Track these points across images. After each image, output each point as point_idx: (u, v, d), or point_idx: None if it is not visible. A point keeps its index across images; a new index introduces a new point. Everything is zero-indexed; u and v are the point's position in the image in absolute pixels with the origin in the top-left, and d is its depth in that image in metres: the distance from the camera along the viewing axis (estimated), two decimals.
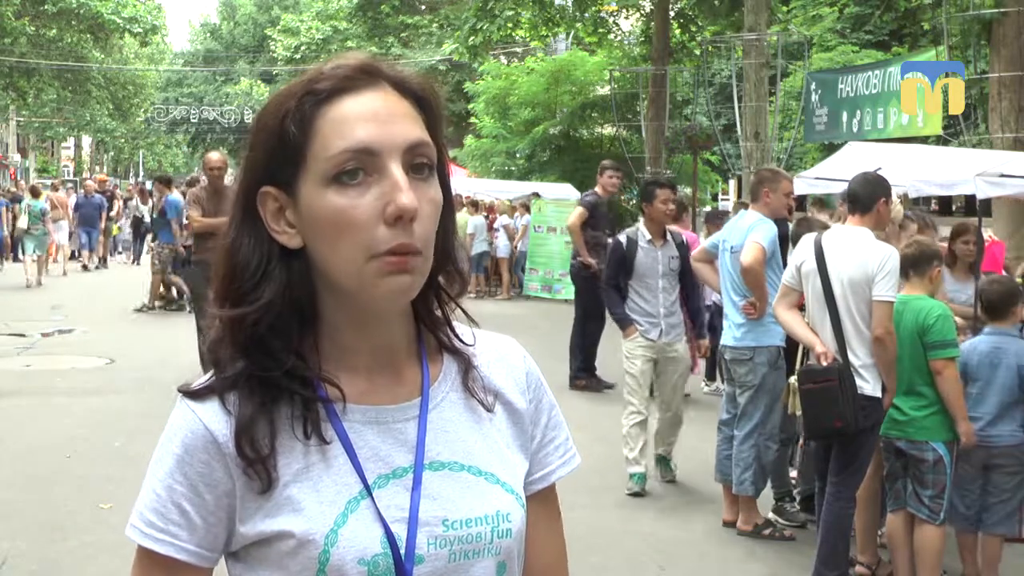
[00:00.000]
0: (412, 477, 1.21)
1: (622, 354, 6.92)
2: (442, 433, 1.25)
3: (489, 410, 1.30)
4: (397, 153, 1.16)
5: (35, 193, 19.88)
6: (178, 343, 10.95)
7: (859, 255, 4.81)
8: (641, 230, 7.01)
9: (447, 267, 1.27)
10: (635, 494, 6.62)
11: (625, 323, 6.84)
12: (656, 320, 6.81)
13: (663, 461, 7.00)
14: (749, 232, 5.93)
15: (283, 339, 1.20)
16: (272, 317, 1.19)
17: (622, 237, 7.10)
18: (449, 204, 1.24)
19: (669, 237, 6.97)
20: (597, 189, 10.10)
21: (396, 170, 1.15)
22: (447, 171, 1.25)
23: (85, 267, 21.74)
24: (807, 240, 5.14)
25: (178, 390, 1.23)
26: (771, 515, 6.12)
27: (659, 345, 6.79)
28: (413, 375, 1.27)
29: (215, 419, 1.19)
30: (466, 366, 1.30)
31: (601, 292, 7.31)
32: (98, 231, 22.14)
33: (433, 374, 1.28)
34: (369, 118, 1.16)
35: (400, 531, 1.18)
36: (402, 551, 1.17)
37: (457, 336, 1.31)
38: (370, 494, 1.18)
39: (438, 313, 1.30)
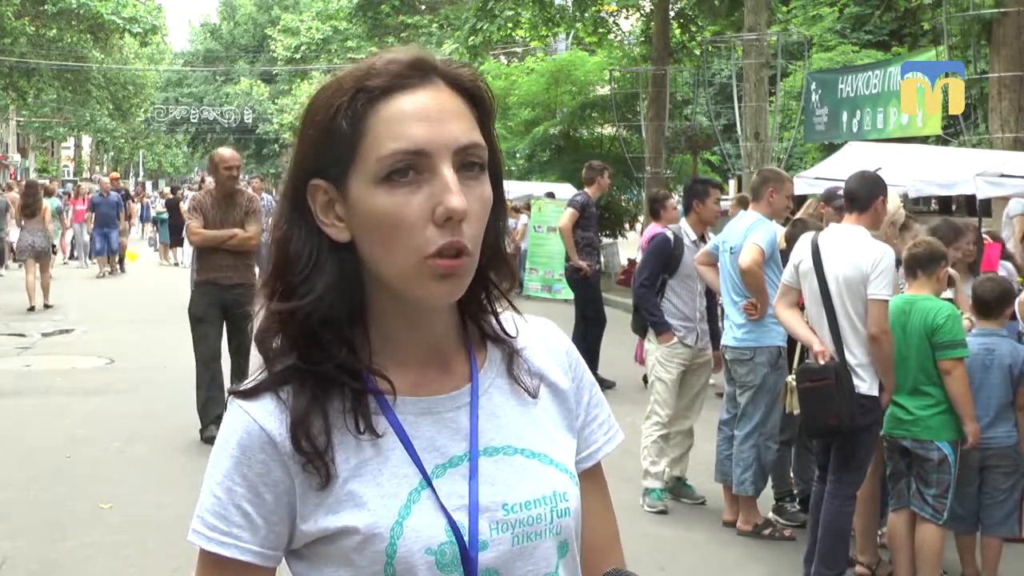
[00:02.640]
0: (468, 465, 1.22)
1: (654, 359, 6.52)
2: (493, 418, 1.27)
3: (534, 396, 1.31)
4: (448, 154, 1.16)
5: (48, 192, 20.07)
6: (178, 344, 10.95)
7: (853, 254, 4.83)
8: (685, 229, 6.66)
9: (498, 262, 1.28)
10: (660, 511, 6.33)
11: (662, 328, 6.43)
12: (693, 325, 6.47)
13: (682, 483, 6.61)
14: (748, 233, 5.93)
15: (335, 332, 1.20)
16: (324, 310, 1.19)
17: (669, 234, 6.68)
18: (502, 203, 1.26)
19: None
20: (588, 190, 9.96)
21: (447, 171, 1.15)
22: (500, 167, 1.26)
23: (114, 268, 20.65)
24: (805, 239, 5.15)
25: (229, 392, 1.24)
26: (771, 515, 6.12)
27: (693, 351, 6.47)
28: (460, 364, 1.28)
29: (269, 417, 1.20)
30: (510, 353, 1.31)
31: (636, 292, 6.76)
32: (117, 232, 20.72)
33: (479, 362, 1.30)
34: (422, 118, 1.16)
35: (462, 519, 1.19)
36: (466, 538, 1.18)
37: (500, 324, 1.32)
38: (430, 484, 1.19)
39: (483, 303, 1.31)
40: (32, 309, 14.68)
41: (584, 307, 10.16)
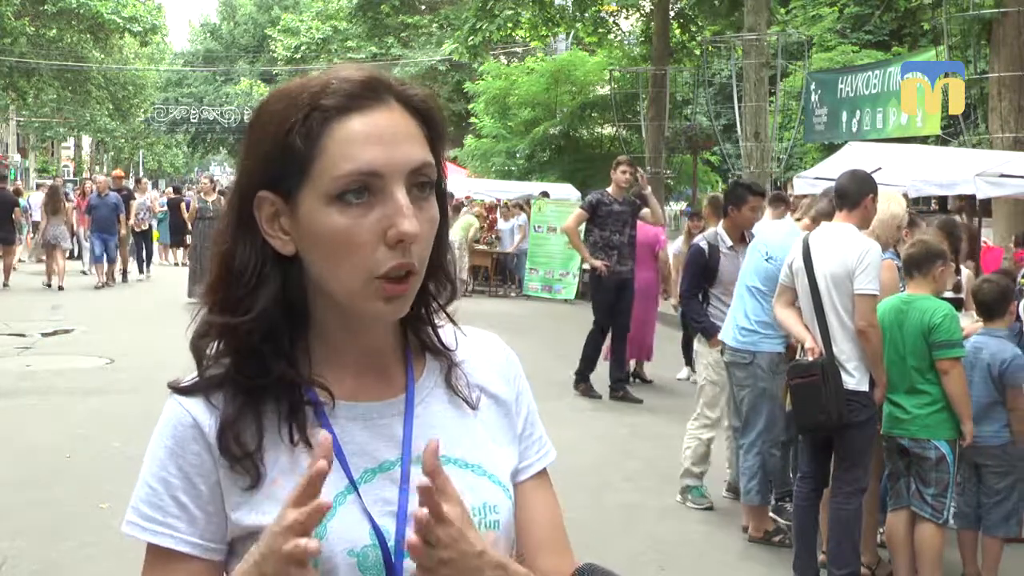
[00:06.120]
0: (400, 471, 1.23)
1: (705, 362, 6.63)
2: (428, 428, 1.27)
3: (473, 407, 1.32)
4: (401, 175, 1.17)
5: (17, 193, 21.38)
6: (178, 343, 10.94)
7: (840, 250, 4.87)
8: (721, 235, 6.74)
9: (437, 274, 1.29)
10: (707, 508, 6.44)
11: (710, 332, 6.53)
12: None
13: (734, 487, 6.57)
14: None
15: (275, 345, 1.22)
16: (266, 325, 1.20)
17: (703, 244, 6.79)
18: (445, 218, 1.27)
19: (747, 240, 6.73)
20: (610, 188, 9.54)
21: (400, 193, 1.16)
22: (444, 183, 1.27)
23: (112, 279, 18.63)
24: (799, 238, 5.20)
25: (168, 386, 1.26)
26: (771, 515, 6.12)
27: None
28: (398, 374, 1.30)
29: (202, 412, 1.22)
30: (448, 365, 1.33)
31: (680, 302, 7.05)
32: (116, 238, 18.51)
33: (417, 372, 1.31)
34: (376, 139, 1.17)
35: (388, 525, 1.20)
36: (391, 544, 1.19)
37: (439, 337, 1.33)
38: (356, 489, 1.20)
39: (423, 315, 1.32)
40: (49, 285, 17.77)
41: (593, 308, 9.86)
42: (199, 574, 1.21)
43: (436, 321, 1.33)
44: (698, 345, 6.87)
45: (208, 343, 1.24)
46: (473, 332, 1.40)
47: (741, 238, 6.72)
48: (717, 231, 6.86)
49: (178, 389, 1.25)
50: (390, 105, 1.20)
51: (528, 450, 1.38)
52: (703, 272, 6.73)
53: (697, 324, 6.78)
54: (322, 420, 1.23)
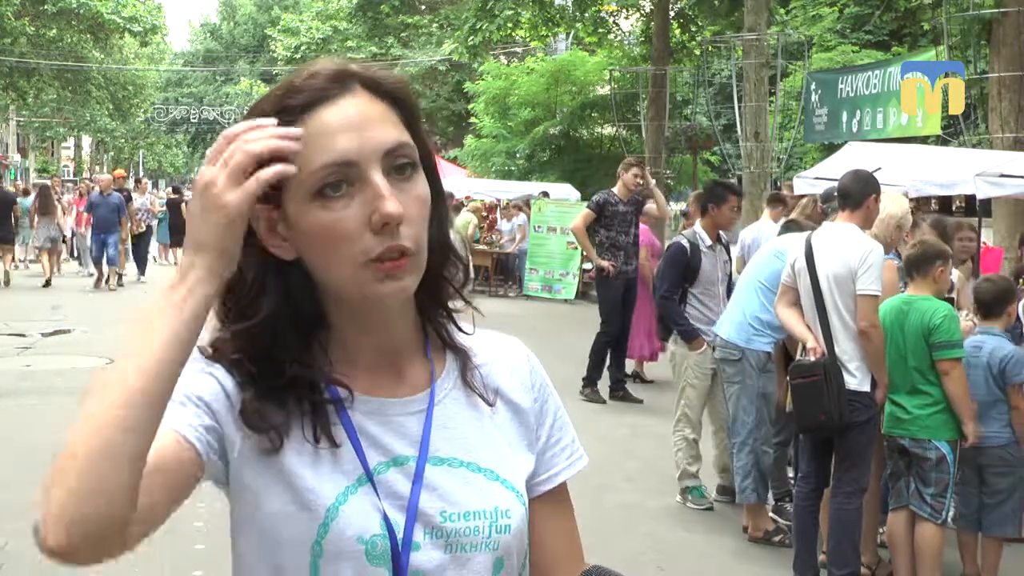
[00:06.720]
0: (414, 468, 1.23)
1: (686, 365, 6.50)
2: (443, 429, 1.27)
3: (490, 405, 1.32)
4: (376, 160, 1.17)
5: (26, 193, 22.21)
6: None
7: (842, 250, 4.87)
8: (700, 234, 6.67)
9: (448, 258, 1.29)
10: (707, 508, 6.41)
11: (692, 335, 6.44)
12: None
13: (727, 490, 6.51)
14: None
15: (286, 349, 1.21)
16: (273, 328, 1.21)
17: (683, 242, 6.69)
18: (441, 196, 1.26)
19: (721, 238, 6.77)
20: (615, 188, 9.39)
21: (377, 178, 1.16)
22: (434, 163, 1.26)
23: (112, 283, 18.03)
24: (800, 238, 5.19)
25: (197, 348, 1.18)
26: (771, 515, 6.12)
27: None
28: (415, 372, 1.29)
29: (226, 377, 1.21)
30: (465, 362, 1.32)
31: (658, 304, 6.85)
32: (117, 238, 17.98)
33: (436, 371, 1.31)
34: (345, 128, 1.17)
35: (398, 518, 1.20)
36: (399, 536, 1.19)
37: (459, 330, 1.33)
38: (371, 480, 1.21)
39: (440, 303, 1.31)
40: (47, 283, 18.27)
41: (600, 310, 9.71)
42: (178, 451, 1.13)
43: (452, 307, 1.32)
44: (675, 347, 6.65)
45: (229, 346, 1.23)
46: (496, 336, 1.39)
47: (717, 238, 6.73)
48: (696, 230, 6.78)
49: (204, 353, 1.21)
50: (356, 93, 1.20)
51: (556, 457, 1.37)
52: (684, 271, 6.64)
53: (679, 326, 6.57)
54: (342, 415, 1.22)
